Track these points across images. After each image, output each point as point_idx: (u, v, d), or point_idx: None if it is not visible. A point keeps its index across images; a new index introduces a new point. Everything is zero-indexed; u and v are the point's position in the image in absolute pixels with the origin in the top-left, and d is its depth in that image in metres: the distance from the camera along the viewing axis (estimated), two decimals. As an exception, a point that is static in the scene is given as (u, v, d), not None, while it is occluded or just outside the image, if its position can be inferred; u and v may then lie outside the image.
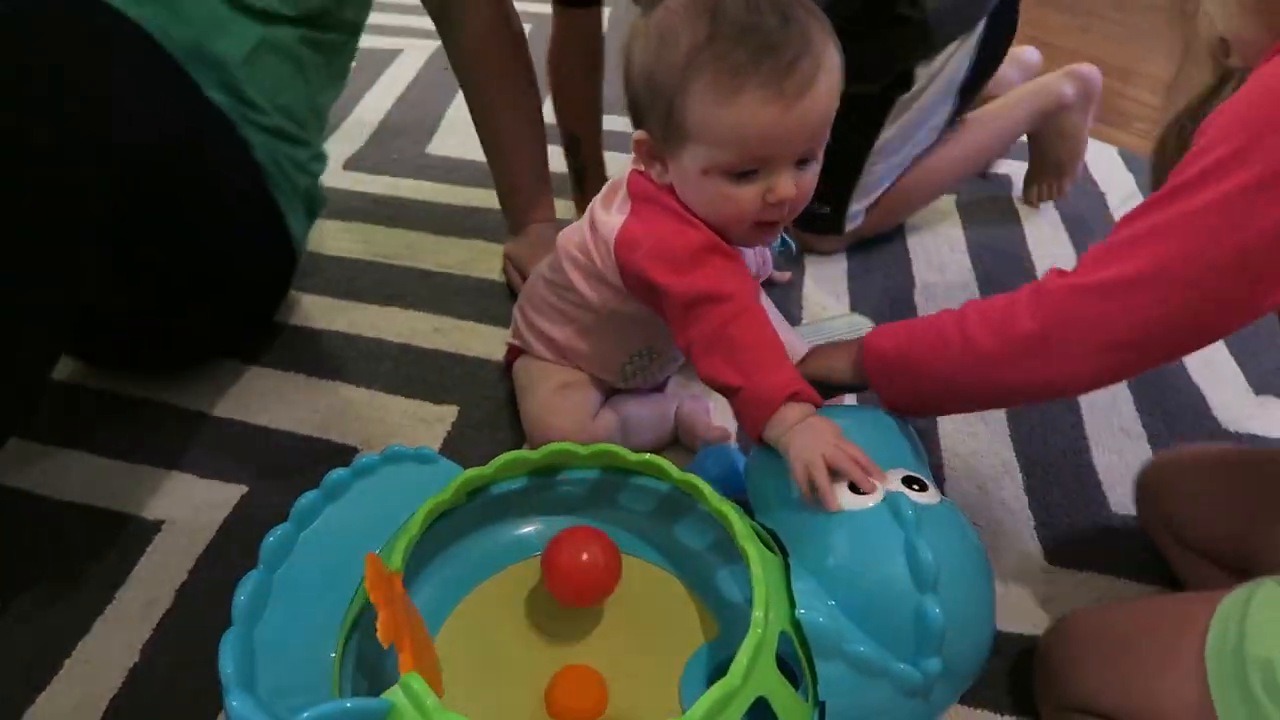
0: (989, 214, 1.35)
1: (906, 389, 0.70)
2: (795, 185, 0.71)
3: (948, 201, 1.36)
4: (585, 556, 0.66)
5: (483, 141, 1.10)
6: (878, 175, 1.19)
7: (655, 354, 0.88)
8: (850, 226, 1.21)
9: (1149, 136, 0.87)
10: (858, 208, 1.20)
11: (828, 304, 1.13)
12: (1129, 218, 0.59)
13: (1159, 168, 0.71)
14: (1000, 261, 1.23)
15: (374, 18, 1.96)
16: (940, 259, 1.24)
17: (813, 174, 0.73)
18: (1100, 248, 0.60)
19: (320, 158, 1.04)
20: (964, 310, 0.66)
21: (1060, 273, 0.62)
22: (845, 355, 0.75)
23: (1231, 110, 0.56)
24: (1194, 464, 0.80)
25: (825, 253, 1.24)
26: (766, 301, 1.01)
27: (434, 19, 1.05)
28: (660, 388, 0.97)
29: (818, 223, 1.20)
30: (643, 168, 0.76)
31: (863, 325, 1.03)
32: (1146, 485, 0.81)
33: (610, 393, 0.92)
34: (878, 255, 1.24)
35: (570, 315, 0.86)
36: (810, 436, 0.64)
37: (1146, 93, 1.74)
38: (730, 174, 0.70)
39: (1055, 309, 0.60)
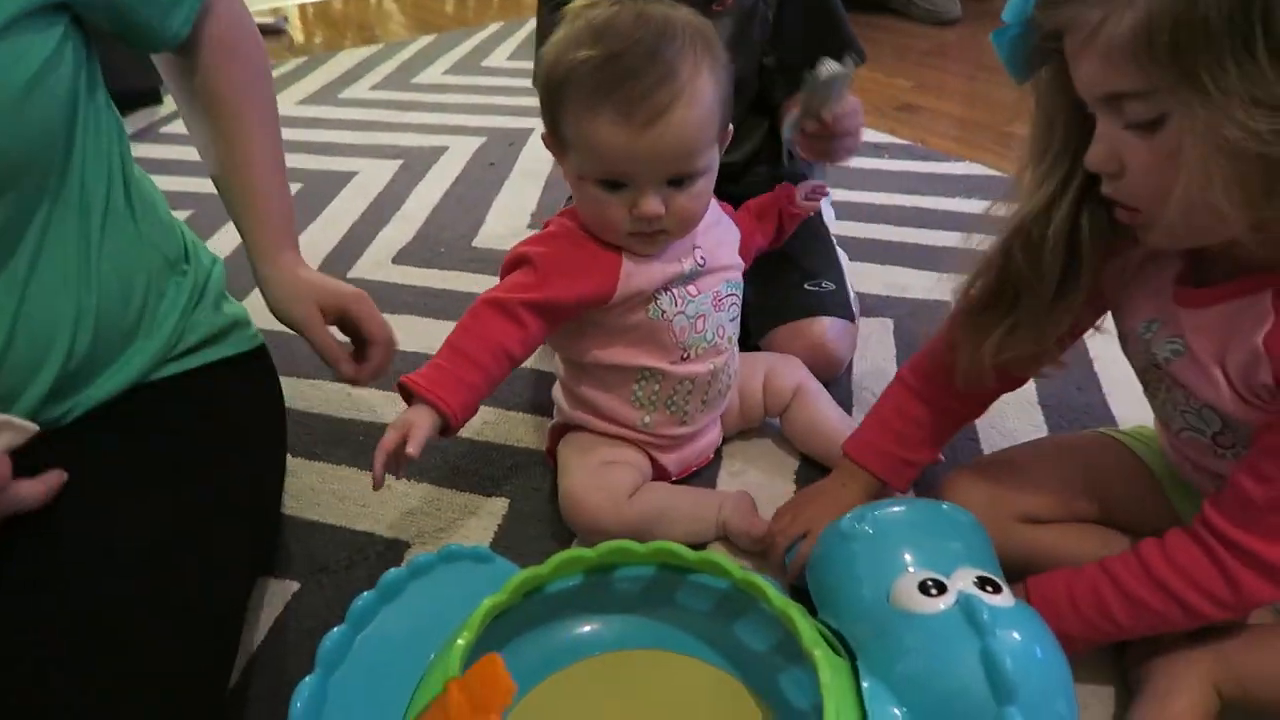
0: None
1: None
2: (664, 203, 0.77)
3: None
4: None
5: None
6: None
7: (663, 375, 0.87)
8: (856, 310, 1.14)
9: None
10: (851, 289, 1.15)
11: (877, 389, 1.12)
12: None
13: (1004, 279, 0.69)
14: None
15: (418, 117, 2.07)
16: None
17: (691, 195, 0.78)
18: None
19: (195, 249, 0.85)
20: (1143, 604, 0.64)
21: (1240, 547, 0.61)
22: None
23: None
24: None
25: (839, 358, 1.08)
26: (819, 388, 1.01)
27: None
28: (709, 478, 0.97)
29: (829, 305, 1.10)
30: None
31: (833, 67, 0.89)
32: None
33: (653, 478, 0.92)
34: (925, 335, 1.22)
35: (576, 355, 0.89)
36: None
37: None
38: (601, 183, 0.77)
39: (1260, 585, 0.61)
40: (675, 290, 0.85)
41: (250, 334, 0.88)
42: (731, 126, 0.82)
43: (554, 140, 0.81)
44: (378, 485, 0.74)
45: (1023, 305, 0.68)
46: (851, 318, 1.12)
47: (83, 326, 0.70)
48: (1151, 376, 0.71)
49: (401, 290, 1.37)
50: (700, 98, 0.74)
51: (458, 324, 0.81)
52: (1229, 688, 0.65)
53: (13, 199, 0.65)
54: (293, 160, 1.74)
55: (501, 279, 0.84)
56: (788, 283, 1.11)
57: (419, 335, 1.24)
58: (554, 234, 0.85)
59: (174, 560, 0.66)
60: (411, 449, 0.73)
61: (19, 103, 0.62)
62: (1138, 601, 0.64)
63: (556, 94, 0.77)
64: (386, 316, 1.27)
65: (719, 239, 0.89)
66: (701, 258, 0.86)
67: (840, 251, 1.20)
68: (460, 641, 0.59)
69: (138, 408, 0.75)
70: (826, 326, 1.07)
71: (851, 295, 1.15)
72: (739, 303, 0.93)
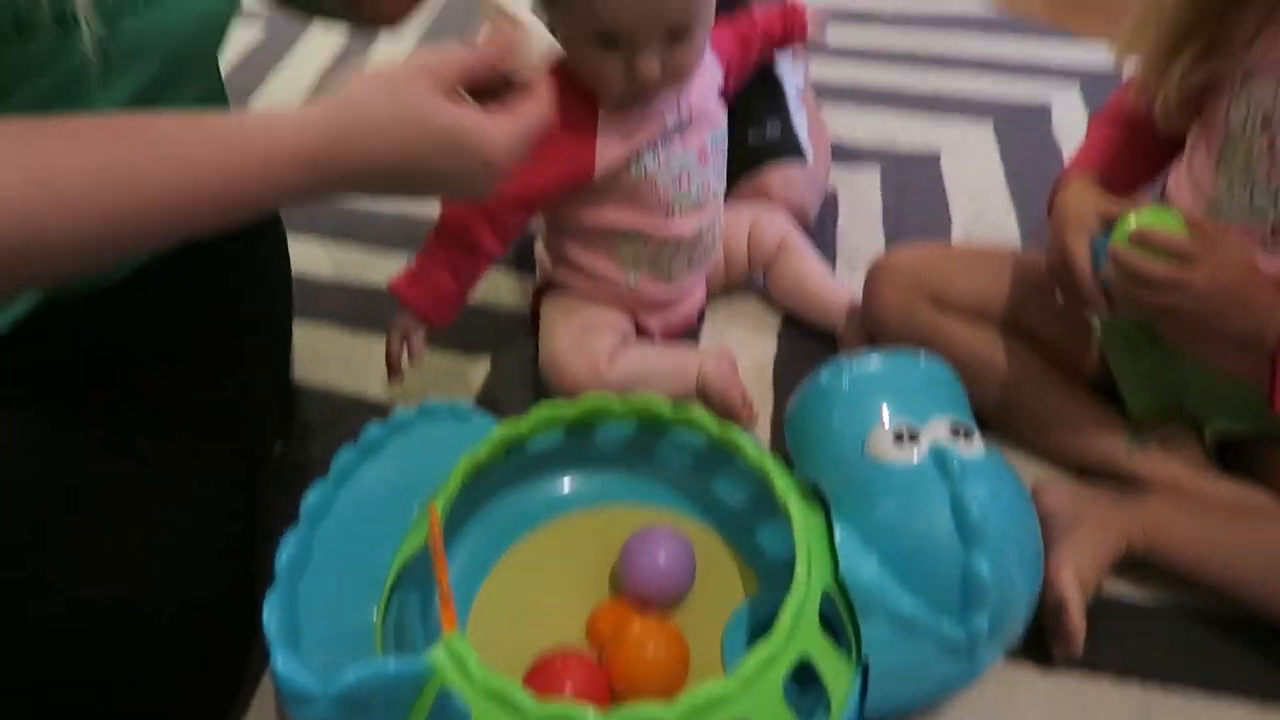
0: (1026, 141, 1.30)
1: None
2: (661, 63, 0.73)
3: (983, 128, 1.31)
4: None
5: None
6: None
7: (648, 239, 0.85)
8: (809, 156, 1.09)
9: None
10: (800, 120, 1.09)
11: (862, 244, 1.10)
12: None
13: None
14: (1041, 187, 1.19)
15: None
16: (978, 184, 1.20)
17: (688, 49, 0.74)
18: None
19: None
20: None
21: None
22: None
23: None
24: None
25: (793, 202, 1.04)
26: (804, 241, 0.99)
27: None
28: (693, 335, 0.96)
29: (778, 149, 1.06)
30: None
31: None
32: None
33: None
34: (914, 188, 1.20)
35: (558, 216, 0.87)
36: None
37: None
38: (595, 39, 0.72)
39: None
40: (660, 146, 0.82)
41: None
42: None
43: None
44: (395, 378, 0.81)
45: (1218, 23, 0.68)
46: (802, 154, 1.07)
47: None
48: (1241, 142, 0.68)
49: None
50: None
51: (439, 224, 0.80)
52: (1140, 544, 0.68)
53: None
54: None
55: None
56: (731, 136, 0.99)
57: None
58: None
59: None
60: (415, 359, 0.81)
61: None
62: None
63: None
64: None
65: (704, 87, 0.85)
66: (686, 109, 0.82)
67: (786, 71, 1.10)
68: (442, 498, 0.60)
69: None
70: (776, 176, 1.04)
71: (802, 127, 1.08)
72: (724, 156, 0.89)
